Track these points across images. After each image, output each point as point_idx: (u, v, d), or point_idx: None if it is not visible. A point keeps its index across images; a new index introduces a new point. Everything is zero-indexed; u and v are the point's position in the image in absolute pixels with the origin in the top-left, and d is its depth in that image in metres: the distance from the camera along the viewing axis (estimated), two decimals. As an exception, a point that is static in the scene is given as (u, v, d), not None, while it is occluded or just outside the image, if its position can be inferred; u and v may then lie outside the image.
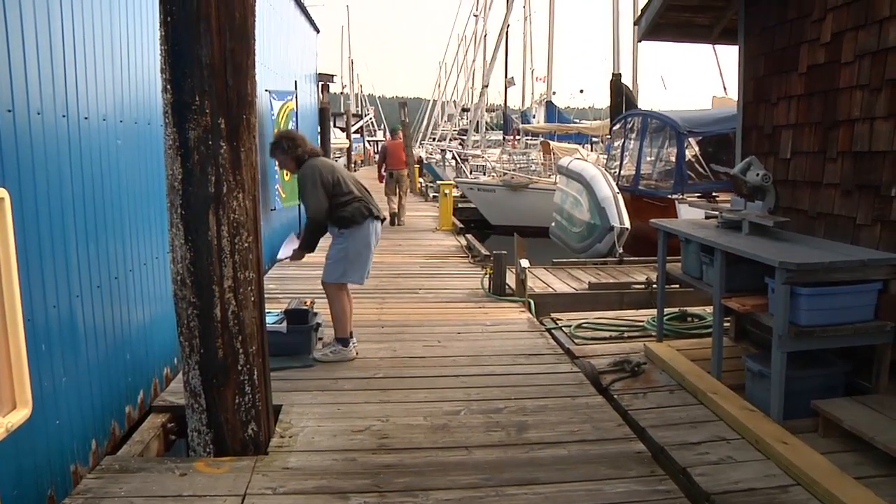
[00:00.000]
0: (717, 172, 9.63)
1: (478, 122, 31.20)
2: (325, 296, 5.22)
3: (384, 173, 13.41)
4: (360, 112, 52.89)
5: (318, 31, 15.29)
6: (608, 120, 16.57)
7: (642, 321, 6.18)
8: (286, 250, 4.96)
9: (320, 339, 5.36)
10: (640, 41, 6.74)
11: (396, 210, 13.30)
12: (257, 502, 3.08)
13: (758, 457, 3.56)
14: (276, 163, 5.21)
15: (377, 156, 16.80)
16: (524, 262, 7.07)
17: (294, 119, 10.40)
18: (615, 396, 4.50)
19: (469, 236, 11.69)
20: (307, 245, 5.05)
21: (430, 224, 13.83)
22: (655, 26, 6.06)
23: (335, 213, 4.94)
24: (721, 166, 7.87)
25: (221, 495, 3.11)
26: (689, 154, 10.43)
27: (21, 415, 2.12)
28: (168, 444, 4.04)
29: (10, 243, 2.08)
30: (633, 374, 4.84)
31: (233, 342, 3.39)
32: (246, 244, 3.38)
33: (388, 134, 26.22)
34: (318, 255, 5.28)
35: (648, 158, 11.45)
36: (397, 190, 13.27)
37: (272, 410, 3.78)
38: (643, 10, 6.24)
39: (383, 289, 7.65)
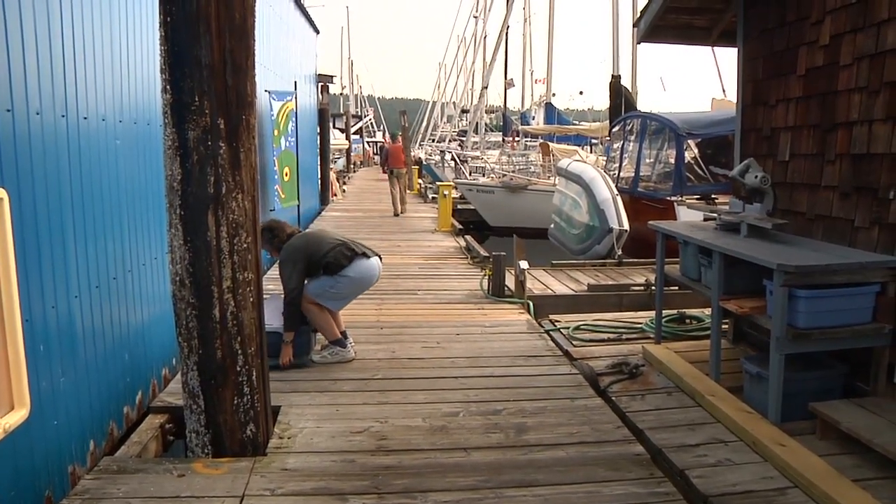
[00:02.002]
0: (716, 174, 9.65)
1: (477, 123, 31.19)
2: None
3: (385, 171, 16.50)
4: (359, 113, 52.87)
5: (317, 31, 15.32)
6: (607, 122, 16.57)
7: (641, 323, 6.18)
8: (272, 317, 4.74)
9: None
10: (639, 43, 6.75)
11: (398, 203, 15.70)
12: (256, 503, 3.08)
13: (755, 459, 3.57)
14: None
15: (377, 156, 18.07)
16: (523, 264, 7.07)
17: (294, 119, 10.41)
18: (613, 398, 4.50)
19: (468, 237, 11.69)
20: (291, 324, 4.87)
21: (429, 225, 13.84)
22: (654, 28, 6.07)
23: (321, 264, 4.95)
24: (720, 168, 7.88)
25: (220, 496, 3.11)
26: (688, 156, 10.43)
27: (19, 415, 2.12)
28: (166, 445, 4.04)
29: (8, 243, 2.08)
30: (631, 376, 4.84)
31: (231, 343, 3.39)
32: (245, 245, 3.38)
33: (387, 136, 27.12)
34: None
35: (647, 160, 11.45)
36: (397, 185, 15.69)
37: (271, 411, 3.78)
38: (642, 13, 6.25)
39: (382, 290, 7.63)
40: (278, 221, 5.31)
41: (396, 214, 15.42)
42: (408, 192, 17.16)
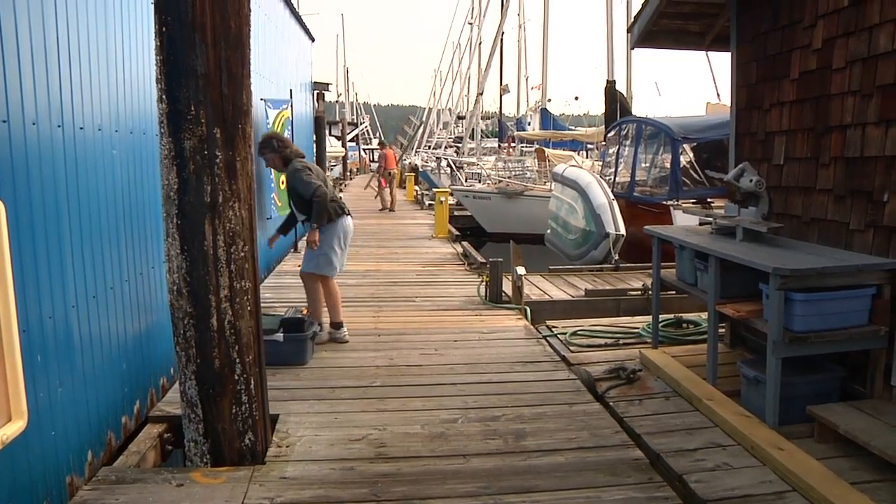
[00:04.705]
0: (712, 178, 9.67)
1: (473, 129, 31.23)
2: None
3: (383, 177, 18.48)
4: (355, 120, 52.90)
5: (312, 39, 15.34)
6: (603, 127, 16.63)
7: (638, 328, 6.19)
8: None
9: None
10: (633, 48, 6.77)
11: (390, 199, 18.19)
12: (254, 512, 3.07)
13: (754, 463, 3.57)
14: (264, 162, 5.74)
15: (373, 163, 19.66)
16: (520, 270, 7.08)
17: (289, 128, 10.41)
18: (611, 403, 4.50)
19: (465, 244, 11.70)
20: (318, 218, 5.44)
21: (426, 232, 13.85)
22: (648, 34, 6.10)
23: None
24: (715, 172, 7.89)
25: (218, 505, 3.10)
26: (683, 160, 10.46)
27: (16, 426, 2.12)
28: (165, 455, 4.03)
29: (5, 254, 2.09)
30: (628, 381, 4.84)
31: (229, 352, 3.39)
32: (242, 253, 3.38)
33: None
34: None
35: (643, 165, 11.47)
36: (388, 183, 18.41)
37: (269, 420, 3.77)
38: (636, 18, 6.27)
39: (380, 297, 7.65)
40: (281, 135, 5.87)
41: (389, 209, 17.94)
42: (398, 189, 20.83)
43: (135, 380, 4.32)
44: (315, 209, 5.40)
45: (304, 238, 5.78)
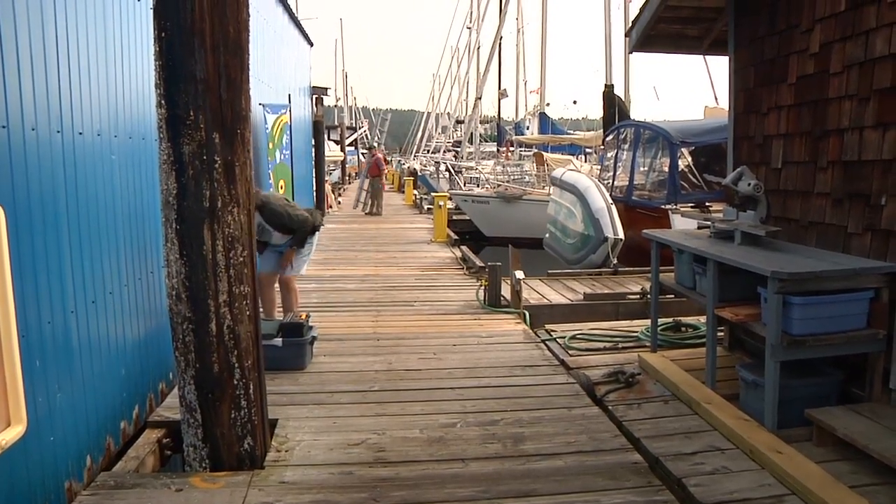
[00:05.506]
0: (710, 182, 9.68)
1: (471, 133, 31.25)
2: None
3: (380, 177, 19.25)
4: (354, 125, 52.95)
5: (311, 44, 15.37)
6: (601, 131, 16.63)
7: (637, 331, 6.19)
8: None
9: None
10: (631, 52, 6.80)
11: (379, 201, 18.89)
12: (253, 517, 3.07)
13: (752, 466, 3.57)
14: None
15: (369, 167, 19.55)
16: (519, 274, 7.08)
17: (288, 132, 10.43)
18: (610, 407, 4.51)
19: (464, 248, 11.70)
20: (301, 242, 6.08)
21: (424, 236, 13.85)
22: (646, 38, 6.12)
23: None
24: (714, 176, 7.91)
25: (217, 510, 3.10)
26: (681, 164, 10.46)
27: (15, 432, 2.12)
28: (164, 460, 4.03)
29: (4, 259, 2.09)
30: (627, 385, 4.84)
31: (228, 357, 3.39)
32: (241, 258, 3.38)
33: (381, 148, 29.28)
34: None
35: (641, 169, 11.47)
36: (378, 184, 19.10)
37: (268, 424, 3.77)
38: (634, 22, 6.29)
39: (378, 301, 7.65)
40: None
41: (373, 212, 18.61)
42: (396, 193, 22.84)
43: (134, 385, 4.32)
44: (301, 234, 6.05)
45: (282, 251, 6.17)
